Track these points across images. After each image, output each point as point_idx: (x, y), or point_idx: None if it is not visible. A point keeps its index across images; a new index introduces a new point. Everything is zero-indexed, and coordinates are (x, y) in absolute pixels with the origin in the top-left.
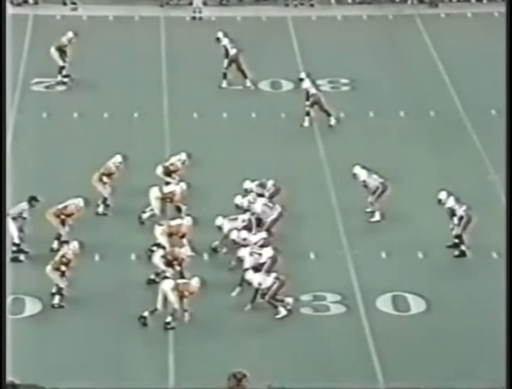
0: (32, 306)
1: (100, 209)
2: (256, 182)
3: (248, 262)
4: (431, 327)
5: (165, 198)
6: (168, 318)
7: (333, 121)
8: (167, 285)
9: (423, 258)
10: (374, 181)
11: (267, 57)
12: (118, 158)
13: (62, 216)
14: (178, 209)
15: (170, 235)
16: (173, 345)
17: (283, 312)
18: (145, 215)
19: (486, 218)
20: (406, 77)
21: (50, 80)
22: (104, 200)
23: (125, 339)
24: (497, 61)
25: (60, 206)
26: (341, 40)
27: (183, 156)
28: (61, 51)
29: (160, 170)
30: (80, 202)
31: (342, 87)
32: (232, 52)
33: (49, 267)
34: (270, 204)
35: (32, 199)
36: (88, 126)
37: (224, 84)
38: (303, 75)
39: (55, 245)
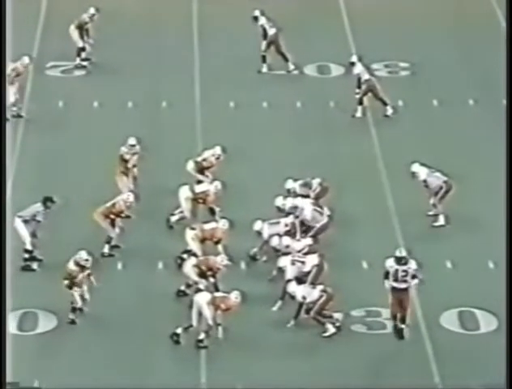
0: (45, 322)
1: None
2: (300, 182)
3: (290, 272)
4: (502, 347)
5: (197, 199)
6: (201, 336)
7: (390, 111)
8: (202, 299)
9: (494, 269)
10: (437, 179)
11: (313, 38)
12: (134, 144)
13: (112, 216)
14: (212, 211)
15: (203, 240)
16: (206, 365)
17: (331, 329)
18: (174, 218)
19: None
20: (475, 60)
21: (67, 64)
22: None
23: (151, 358)
24: None
25: (108, 204)
26: (400, 17)
27: (217, 150)
28: (82, 30)
29: (191, 166)
30: (130, 196)
31: (400, 71)
32: (271, 32)
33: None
34: (319, 208)
35: (48, 200)
36: (110, 117)
37: (264, 69)
38: (354, 59)
39: (106, 249)
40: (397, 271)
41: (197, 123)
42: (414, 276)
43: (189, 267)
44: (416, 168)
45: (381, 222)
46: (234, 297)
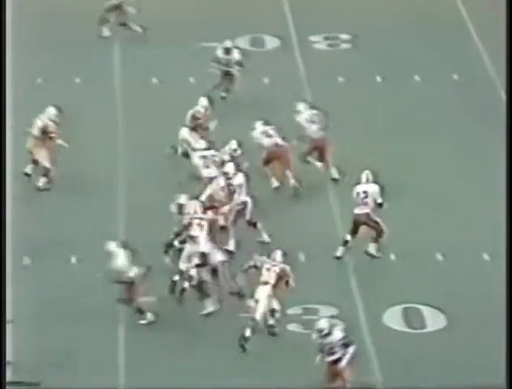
0: None
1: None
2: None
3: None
4: (451, 347)
5: None
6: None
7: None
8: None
9: (443, 261)
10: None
11: (246, 8)
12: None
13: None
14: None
15: None
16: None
17: (209, 308)
18: None
19: None
20: (423, 32)
21: None
22: None
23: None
24: None
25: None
26: None
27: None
28: None
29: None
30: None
31: (341, 44)
32: None
33: None
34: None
35: None
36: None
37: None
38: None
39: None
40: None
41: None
42: (346, 345)
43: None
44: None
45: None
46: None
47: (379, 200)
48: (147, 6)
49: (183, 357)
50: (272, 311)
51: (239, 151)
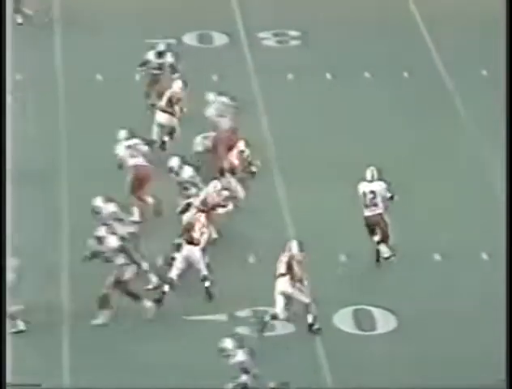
0: None
1: None
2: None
3: None
4: (402, 349)
5: None
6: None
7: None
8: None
9: (395, 262)
10: None
11: (193, 3)
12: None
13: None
14: None
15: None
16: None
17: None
18: None
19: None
20: (372, 29)
21: None
22: None
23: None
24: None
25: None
26: None
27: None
28: None
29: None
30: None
31: (290, 41)
32: None
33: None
34: None
35: None
36: None
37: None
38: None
39: None
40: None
41: None
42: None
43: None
44: None
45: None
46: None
47: (388, 195)
48: (93, 2)
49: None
50: (306, 307)
51: (247, 152)
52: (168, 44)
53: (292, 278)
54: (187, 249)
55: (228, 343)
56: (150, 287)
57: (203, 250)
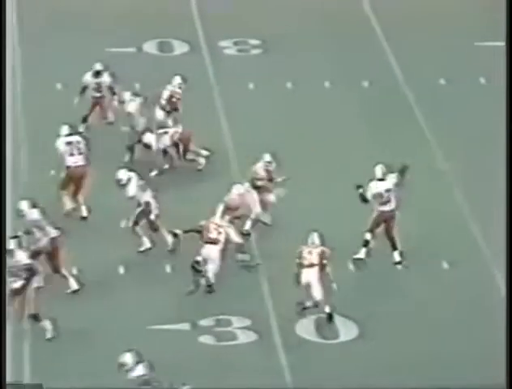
0: None
1: None
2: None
3: None
4: (364, 356)
5: None
6: (327, 309)
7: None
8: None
9: (354, 271)
10: None
11: (153, 12)
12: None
13: None
14: None
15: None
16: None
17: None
18: None
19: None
20: (332, 37)
21: None
22: None
23: None
24: (445, 21)
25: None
26: None
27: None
28: None
29: None
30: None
31: (251, 50)
32: None
33: None
34: None
35: None
36: None
37: None
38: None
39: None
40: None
41: None
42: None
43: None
44: None
45: None
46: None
47: (397, 181)
48: (52, 7)
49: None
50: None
51: (273, 164)
52: (103, 65)
53: (322, 270)
54: (207, 248)
55: (128, 357)
56: (69, 291)
57: (223, 250)
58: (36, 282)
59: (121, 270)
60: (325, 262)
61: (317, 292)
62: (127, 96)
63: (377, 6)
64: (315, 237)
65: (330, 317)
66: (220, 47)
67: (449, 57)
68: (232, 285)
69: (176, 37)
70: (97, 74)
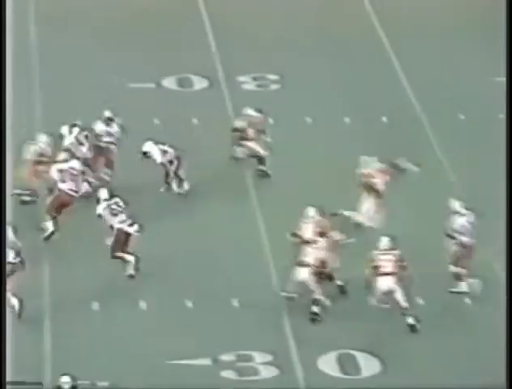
0: None
1: None
2: None
3: None
4: None
5: None
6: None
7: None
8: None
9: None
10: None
11: (173, 47)
12: None
13: None
14: None
15: None
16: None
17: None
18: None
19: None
20: (351, 73)
21: None
22: None
23: None
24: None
25: None
26: (268, 25)
27: None
28: None
29: None
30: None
31: (270, 85)
32: None
33: None
34: None
35: None
36: None
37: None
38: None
39: None
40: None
41: None
42: None
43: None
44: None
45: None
46: None
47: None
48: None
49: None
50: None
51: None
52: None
53: (399, 275)
54: (299, 271)
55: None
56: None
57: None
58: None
59: (143, 304)
60: (404, 264)
61: (401, 299)
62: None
63: (394, 40)
64: (385, 242)
65: (412, 327)
66: (239, 82)
67: (466, 92)
68: (253, 320)
69: (195, 72)
70: (108, 121)
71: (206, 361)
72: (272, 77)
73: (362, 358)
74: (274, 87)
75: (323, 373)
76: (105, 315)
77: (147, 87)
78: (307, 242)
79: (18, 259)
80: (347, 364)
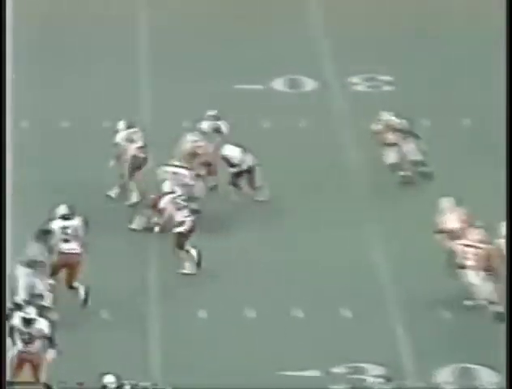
0: None
1: None
2: None
3: None
4: None
5: None
6: None
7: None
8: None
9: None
10: None
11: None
12: None
13: None
14: None
15: None
16: None
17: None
18: None
19: None
20: (467, 71)
21: None
22: None
23: None
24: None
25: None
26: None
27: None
28: None
29: None
30: None
31: (383, 86)
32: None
33: None
34: None
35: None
36: None
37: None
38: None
39: None
40: None
41: None
42: None
43: None
44: None
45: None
46: None
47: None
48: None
49: None
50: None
51: None
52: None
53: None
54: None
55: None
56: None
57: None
58: (52, 354)
59: (252, 313)
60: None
61: (486, 292)
62: None
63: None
64: (477, 234)
65: (500, 316)
66: (350, 83)
67: None
68: (365, 331)
69: (305, 74)
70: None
71: (316, 373)
72: (385, 78)
73: (483, 372)
74: (386, 88)
75: (440, 387)
76: (212, 323)
77: (255, 88)
78: (454, 233)
79: (81, 250)
80: (465, 377)
